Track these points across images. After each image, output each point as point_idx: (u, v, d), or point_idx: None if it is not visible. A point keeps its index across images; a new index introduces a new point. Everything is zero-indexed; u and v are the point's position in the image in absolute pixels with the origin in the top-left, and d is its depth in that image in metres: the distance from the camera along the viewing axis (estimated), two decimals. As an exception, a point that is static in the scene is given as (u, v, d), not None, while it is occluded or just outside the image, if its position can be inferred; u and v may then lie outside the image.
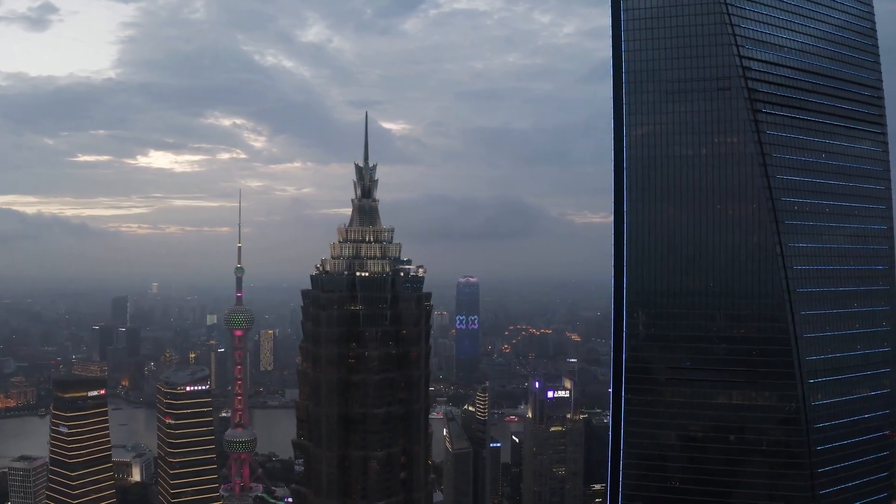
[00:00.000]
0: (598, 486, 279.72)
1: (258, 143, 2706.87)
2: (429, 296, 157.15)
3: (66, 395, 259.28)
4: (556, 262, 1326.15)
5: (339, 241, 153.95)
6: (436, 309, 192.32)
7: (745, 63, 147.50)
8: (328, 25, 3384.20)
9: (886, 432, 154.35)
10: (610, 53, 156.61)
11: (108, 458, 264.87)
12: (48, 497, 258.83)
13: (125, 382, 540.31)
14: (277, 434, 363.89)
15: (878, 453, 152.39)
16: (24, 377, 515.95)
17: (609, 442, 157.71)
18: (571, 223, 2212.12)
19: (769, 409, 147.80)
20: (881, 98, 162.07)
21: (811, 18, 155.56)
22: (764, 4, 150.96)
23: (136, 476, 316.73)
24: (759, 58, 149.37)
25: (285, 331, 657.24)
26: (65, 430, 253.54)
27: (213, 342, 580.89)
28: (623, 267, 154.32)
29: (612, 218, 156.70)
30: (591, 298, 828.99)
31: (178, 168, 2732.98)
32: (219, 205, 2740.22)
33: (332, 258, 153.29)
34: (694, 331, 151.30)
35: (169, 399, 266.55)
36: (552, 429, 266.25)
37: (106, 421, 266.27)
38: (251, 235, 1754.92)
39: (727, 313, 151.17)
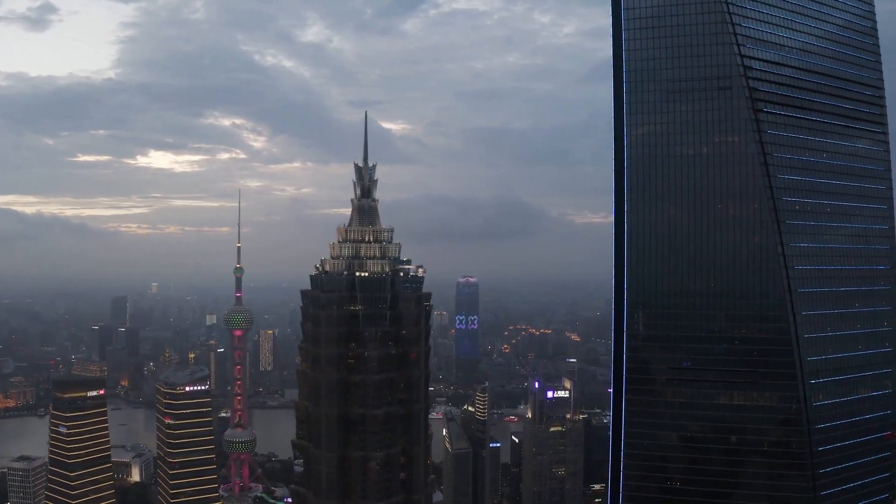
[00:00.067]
0: (597, 487, 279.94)
1: (258, 143, 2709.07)
2: (428, 296, 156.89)
3: (66, 396, 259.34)
4: (555, 263, 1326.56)
5: (339, 241, 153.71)
6: (435, 309, 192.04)
7: (747, 62, 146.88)
8: (328, 25, 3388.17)
9: (888, 433, 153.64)
10: (610, 53, 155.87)
11: (107, 459, 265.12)
12: (47, 497, 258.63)
13: (124, 382, 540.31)
14: (277, 434, 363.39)
15: (879, 454, 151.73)
16: (24, 377, 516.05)
17: (609, 442, 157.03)
18: (571, 223, 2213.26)
19: (770, 409, 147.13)
20: (882, 97, 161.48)
21: (812, 18, 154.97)
22: (765, 3, 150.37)
23: (136, 476, 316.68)
24: (761, 57, 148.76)
25: (285, 331, 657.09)
26: (64, 430, 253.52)
27: (212, 342, 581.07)
28: (623, 267, 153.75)
29: (612, 218, 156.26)
30: (590, 298, 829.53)
31: (178, 168, 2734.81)
32: (218, 205, 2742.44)
33: (332, 258, 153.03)
34: (695, 331, 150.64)
35: (168, 399, 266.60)
36: (552, 429, 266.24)
37: (105, 421, 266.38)
38: (251, 235, 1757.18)
39: (728, 313, 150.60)
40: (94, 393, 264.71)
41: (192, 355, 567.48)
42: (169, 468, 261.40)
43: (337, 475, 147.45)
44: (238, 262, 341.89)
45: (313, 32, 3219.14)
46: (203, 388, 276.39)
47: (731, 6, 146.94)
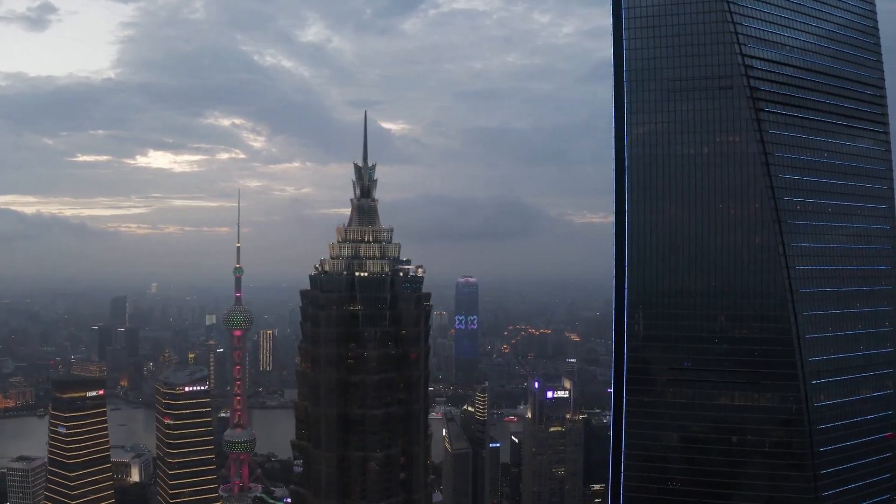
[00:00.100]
0: (597, 487, 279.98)
1: (257, 143, 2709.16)
2: (428, 296, 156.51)
3: (65, 396, 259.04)
4: (555, 263, 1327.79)
5: (339, 241, 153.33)
6: (435, 309, 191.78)
7: (748, 61, 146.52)
8: (327, 25, 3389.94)
9: (889, 433, 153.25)
10: (610, 53, 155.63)
11: (106, 459, 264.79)
12: (47, 497, 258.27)
13: (124, 383, 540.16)
14: (276, 434, 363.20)
15: (880, 455, 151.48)
16: (23, 377, 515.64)
17: (610, 443, 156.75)
18: (571, 223, 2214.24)
19: (771, 410, 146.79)
20: (883, 97, 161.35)
21: (813, 17, 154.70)
22: (766, 2, 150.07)
23: (135, 476, 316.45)
24: (762, 56, 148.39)
25: (284, 331, 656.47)
26: (63, 430, 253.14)
27: (212, 342, 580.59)
28: (624, 267, 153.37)
29: (612, 218, 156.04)
30: (590, 298, 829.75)
31: (178, 168, 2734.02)
32: (218, 205, 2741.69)
33: (331, 258, 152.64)
34: (695, 331, 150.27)
35: (168, 399, 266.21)
36: (551, 429, 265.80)
37: (105, 421, 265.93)
38: (250, 235, 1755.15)
39: (729, 313, 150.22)
40: (93, 393, 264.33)
41: (191, 355, 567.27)
42: (168, 468, 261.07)
43: (336, 475, 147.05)
44: (238, 262, 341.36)
45: (313, 32, 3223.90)
46: (202, 388, 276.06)
47: (732, 5, 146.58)
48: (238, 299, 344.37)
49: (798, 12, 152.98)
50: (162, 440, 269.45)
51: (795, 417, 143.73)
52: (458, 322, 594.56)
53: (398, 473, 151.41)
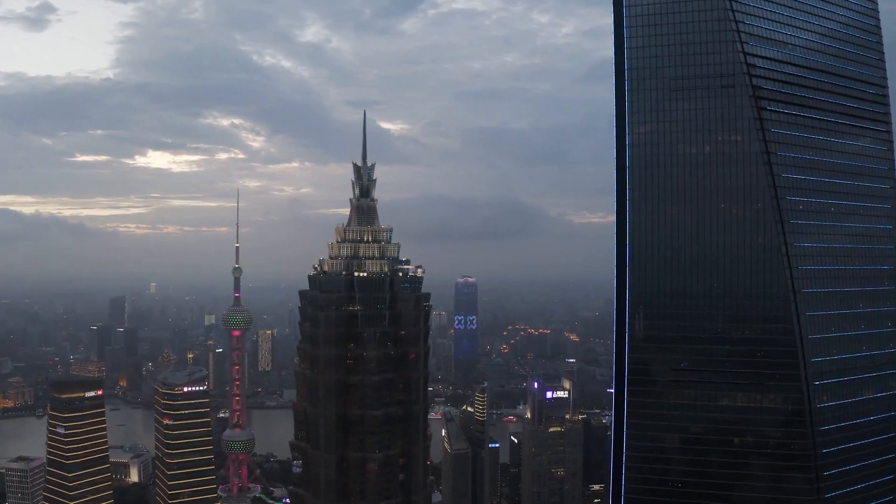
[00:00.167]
0: (596, 487, 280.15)
1: (256, 143, 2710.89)
2: (427, 296, 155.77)
3: (63, 396, 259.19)
4: (554, 263, 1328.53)
5: (338, 241, 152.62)
6: (434, 309, 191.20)
7: (750, 60, 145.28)
8: (327, 25, 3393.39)
9: (893, 434, 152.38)
10: (610, 52, 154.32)
11: (105, 459, 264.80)
12: (45, 498, 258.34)
13: (123, 383, 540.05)
14: (276, 435, 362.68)
15: (884, 456, 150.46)
16: (22, 377, 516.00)
17: (611, 444, 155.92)
18: (570, 223, 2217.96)
19: (774, 411, 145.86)
20: (886, 96, 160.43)
21: (815, 15, 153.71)
22: (768, 1, 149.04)
23: (134, 477, 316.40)
24: (764, 55, 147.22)
25: (284, 331, 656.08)
26: (62, 430, 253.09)
27: (211, 342, 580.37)
28: (625, 267, 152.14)
29: (611, 218, 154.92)
30: (589, 299, 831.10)
31: (177, 168, 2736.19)
32: (217, 205, 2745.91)
33: (331, 258, 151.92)
34: (697, 332, 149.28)
35: (167, 399, 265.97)
36: (551, 429, 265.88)
37: (103, 421, 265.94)
38: (249, 235, 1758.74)
39: (731, 314, 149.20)
40: (92, 393, 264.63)
41: (190, 355, 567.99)
42: (167, 469, 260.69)
43: (335, 476, 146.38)
44: (237, 263, 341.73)
45: (312, 32, 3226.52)
46: (201, 388, 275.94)
47: (734, 3, 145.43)
48: (237, 299, 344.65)
49: (800, 10, 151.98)
50: (161, 440, 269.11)
51: (798, 419, 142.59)
52: (457, 322, 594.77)
53: (397, 474, 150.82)
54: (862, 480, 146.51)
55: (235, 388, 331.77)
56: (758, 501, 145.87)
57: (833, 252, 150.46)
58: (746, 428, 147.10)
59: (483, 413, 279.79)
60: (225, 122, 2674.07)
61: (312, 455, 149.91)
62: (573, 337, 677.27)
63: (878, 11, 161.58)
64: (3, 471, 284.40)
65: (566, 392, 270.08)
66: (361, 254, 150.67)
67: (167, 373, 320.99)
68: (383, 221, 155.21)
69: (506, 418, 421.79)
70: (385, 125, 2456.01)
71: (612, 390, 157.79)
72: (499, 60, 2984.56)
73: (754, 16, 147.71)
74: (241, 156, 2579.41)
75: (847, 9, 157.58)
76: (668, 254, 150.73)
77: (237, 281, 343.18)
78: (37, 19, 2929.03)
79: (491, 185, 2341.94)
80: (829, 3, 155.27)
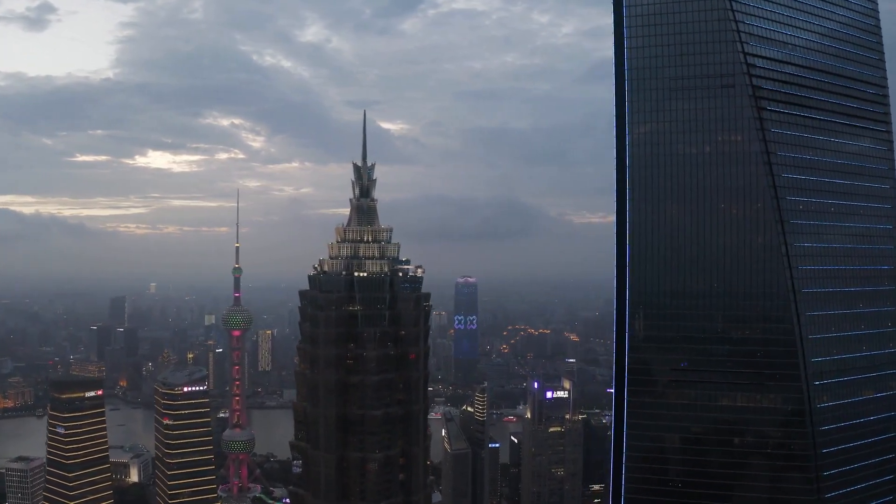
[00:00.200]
0: (596, 487, 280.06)
1: (256, 143, 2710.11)
2: (427, 296, 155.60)
3: (63, 396, 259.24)
4: (554, 263, 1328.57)
5: (338, 241, 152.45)
6: (434, 309, 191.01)
7: (750, 60, 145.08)
8: (327, 25, 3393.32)
9: (893, 434, 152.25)
10: (609, 52, 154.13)
11: (105, 459, 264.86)
12: (45, 498, 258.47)
13: (123, 383, 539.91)
14: (276, 434, 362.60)
15: (884, 456, 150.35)
16: (22, 377, 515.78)
17: (611, 444, 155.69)
18: (570, 223, 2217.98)
19: (774, 411, 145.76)
20: (886, 96, 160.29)
21: (815, 15, 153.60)
22: (768, 0, 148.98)
23: (134, 477, 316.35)
24: (764, 55, 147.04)
25: (284, 331, 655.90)
26: (62, 430, 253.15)
27: (211, 342, 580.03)
28: (625, 267, 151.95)
29: (611, 218, 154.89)
30: (589, 299, 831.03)
31: (177, 168, 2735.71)
32: (217, 205, 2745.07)
33: (330, 258, 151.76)
34: (697, 332, 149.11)
35: (167, 399, 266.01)
36: (551, 429, 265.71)
37: (103, 421, 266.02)
38: (249, 235, 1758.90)
39: (731, 314, 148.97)
40: (92, 393, 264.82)
41: (190, 355, 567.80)
42: (167, 469, 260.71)
43: (335, 476, 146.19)
44: (237, 262, 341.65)
45: (312, 32, 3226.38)
46: (201, 388, 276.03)
47: (734, 3, 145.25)
48: (237, 299, 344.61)
49: (800, 10, 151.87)
50: (161, 440, 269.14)
51: (798, 419, 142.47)
52: (457, 322, 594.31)
53: (397, 474, 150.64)
54: (862, 480, 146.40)
55: (235, 388, 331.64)
56: (758, 501, 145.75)
57: (833, 252, 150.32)
58: (746, 428, 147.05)
59: (483, 413, 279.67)
60: (225, 122, 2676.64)
61: (312, 455, 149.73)
62: (573, 337, 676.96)
63: (878, 11, 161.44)
64: (3, 471, 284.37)
65: (566, 392, 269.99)
66: (361, 254, 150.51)
67: (167, 373, 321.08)
68: (383, 221, 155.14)
69: (506, 418, 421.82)
70: (385, 125, 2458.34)
71: (612, 390, 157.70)
72: (499, 60, 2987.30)
73: (754, 16, 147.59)
74: (241, 156, 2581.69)
75: (847, 9, 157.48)
76: (668, 254, 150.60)
77: (237, 281, 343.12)
78: (37, 19, 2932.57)
79: (491, 185, 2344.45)
80: (829, 3, 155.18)
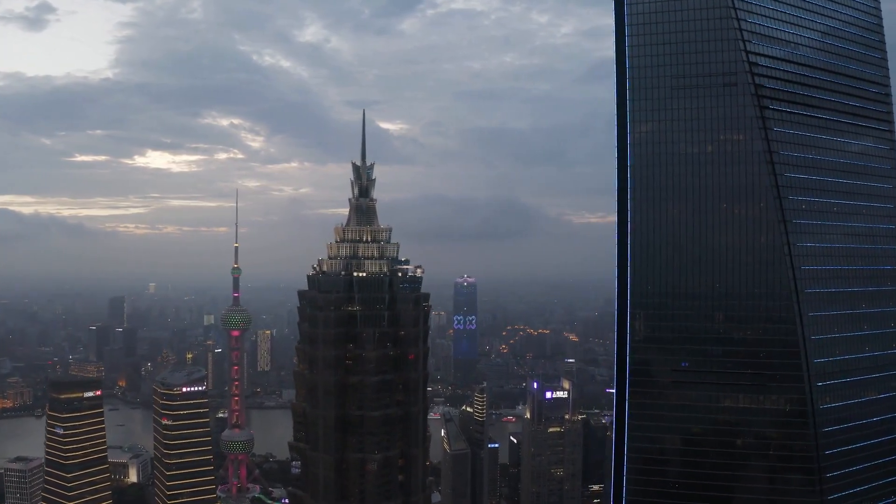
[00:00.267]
0: (596, 487, 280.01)
1: (256, 143, 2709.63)
2: (427, 296, 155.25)
3: (62, 396, 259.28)
4: (553, 263, 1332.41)
5: (337, 241, 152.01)
6: (433, 309, 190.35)
7: (752, 59, 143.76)
8: (326, 25, 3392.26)
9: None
10: (610, 51, 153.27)
11: (104, 459, 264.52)
12: (44, 499, 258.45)
13: (122, 383, 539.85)
14: (275, 435, 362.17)
15: (887, 457, 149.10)
16: (21, 377, 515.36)
17: (612, 444, 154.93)
18: (569, 223, 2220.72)
19: (776, 412, 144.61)
20: (888, 95, 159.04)
21: (818, 14, 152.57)
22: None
23: (133, 477, 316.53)
24: (766, 53, 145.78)
25: (283, 331, 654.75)
26: (61, 431, 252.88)
27: (210, 342, 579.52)
28: (626, 267, 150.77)
29: (610, 218, 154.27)
30: (588, 299, 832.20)
31: (176, 168, 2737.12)
32: (216, 205, 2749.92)
33: (330, 258, 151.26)
34: (699, 332, 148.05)
35: (165, 400, 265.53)
36: (550, 429, 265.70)
37: (102, 422, 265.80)
38: (248, 235, 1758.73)
39: (733, 315, 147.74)
40: (90, 394, 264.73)
41: (189, 356, 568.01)
42: (166, 469, 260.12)
43: (334, 478, 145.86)
44: (236, 263, 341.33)
45: (311, 32, 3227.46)
46: (200, 388, 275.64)
47: (736, 1, 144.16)
48: (236, 299, 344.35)
49: (802, 9, 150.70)
50: (160, 441, 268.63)
51: (800, 420, 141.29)
52: (456, 322, 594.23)
53: (397, 475, 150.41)
54: (865, 482, 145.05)
55: (234, 389, 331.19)
56: (760, 503, 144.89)
57: (836, 252, 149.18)
58: (748, 429, 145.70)
59: (482, 413, 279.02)
60: (224, 122, 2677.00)
61: (311, 456, 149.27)
62: (572, 337, 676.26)
63: (881, 10, 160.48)
64: (2, 471, 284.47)
65: (565, 392, 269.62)
66: (360, 254, 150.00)
67: (166, 373, 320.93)
68: (382, 221, 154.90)
69: (505, 418, 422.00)
70: (384, 125, 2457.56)
71: (612, 390, 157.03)
72: (498, 60, 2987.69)
73: (756, 14, 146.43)
74: (240, 156, 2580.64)
75: (849, 7, 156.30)
76: (669, 253, 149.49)
77: (236, 281, 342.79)
78: (36, 19, 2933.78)
79: (490, 185, 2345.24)
80: (831, 1, 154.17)
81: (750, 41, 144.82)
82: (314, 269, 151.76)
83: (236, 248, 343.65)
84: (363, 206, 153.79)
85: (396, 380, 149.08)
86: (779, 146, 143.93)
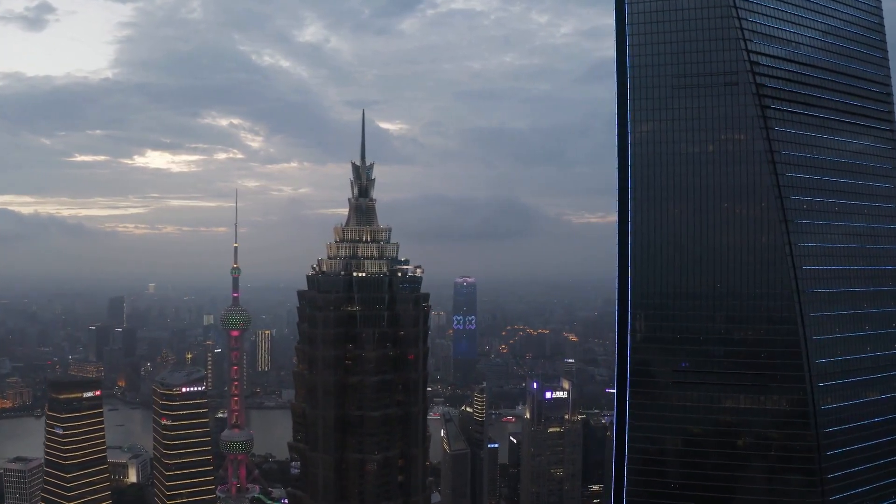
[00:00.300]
0: (595, 487, 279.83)
1: (255, 143, 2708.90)
2: (427, 296, 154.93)
3: (62, 396, 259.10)
4: (553, 263, 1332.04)
5: (336, 241, 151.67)
6: (433, 309, 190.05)
7: (753, 58, 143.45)
8: (325, 25, 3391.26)
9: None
10: (610, 51, 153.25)
11: (103, 460, 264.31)
12: (43, 499, 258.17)
13: (121, 383, 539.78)
14: (274, 435, 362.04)
15: (889, 458, 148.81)
16: (20, 377, 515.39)
17: (613, 445, 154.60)
18: (569, 223, 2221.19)
19: (777, 412, 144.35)
20: (890, 94, 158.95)
21: (819, 13, 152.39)
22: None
23: (133, 477, 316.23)
24: (767, 52, 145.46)
25: (282, 331, 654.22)
26: (60, 431, 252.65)
27: (209, 343, 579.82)
28: (627, 267, 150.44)
29: (610, 218, 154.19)
30: (588, 299, 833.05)
31: (175, 168, 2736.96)
32: (216, 205, 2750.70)
33: (329, 258, 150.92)
34: (700, 332, 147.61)
35: (165, 400, 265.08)
36: (550, 429, 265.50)
37: (101, 422, 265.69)
38: (248, 235, 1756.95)
39: (734, 315, 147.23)
40: (90, 394, 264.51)
41: (189, 356, 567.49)
42: (166, 469, 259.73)
43: (334, 478, 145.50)
44: (235, 263, 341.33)
45: (310, 32, 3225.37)
46: (200, 388, 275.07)
47: (737, 0, 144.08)
48: (235, 299, 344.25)
49: (804, 8, 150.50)
50: (159, 441, 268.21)
51: (802, 420, 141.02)
52: (456, 322, 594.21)
53: (396, 476, 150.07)
54: (867, 483, 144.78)
55: (234, 389, 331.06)
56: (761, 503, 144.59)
57: (837, 252, 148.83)
58: (749, 429, 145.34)
59: (482, 413, 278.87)
60: (223, 122, 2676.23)
61: (311, 456, 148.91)
62: (572, 337, 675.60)
63: (882, 9, 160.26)
64: (2, 471, 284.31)
65: (565, 392, 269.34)
66: (360, 254, 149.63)
67: (165, 373, 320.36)
68: (382, 221, 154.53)
69: (505, 418, 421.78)
70: (384, 125, 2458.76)
71: (612, 391, 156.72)
72: (497, 60, 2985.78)
73: (758, 13, 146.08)
74: (239, 156, 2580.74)
75: (850, 6, 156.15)
76: (670, 253, 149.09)
77: (236, 281, 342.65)
78: (35, 19, 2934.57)
79: (490, 185, 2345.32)
80: (832, 0, 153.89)
81: (751, 40, 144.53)
82: (314, 269, 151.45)
83: (236, 248, 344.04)
84: (363, 206, 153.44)
85: (396, 380, 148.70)
86: (780, 146, 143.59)
